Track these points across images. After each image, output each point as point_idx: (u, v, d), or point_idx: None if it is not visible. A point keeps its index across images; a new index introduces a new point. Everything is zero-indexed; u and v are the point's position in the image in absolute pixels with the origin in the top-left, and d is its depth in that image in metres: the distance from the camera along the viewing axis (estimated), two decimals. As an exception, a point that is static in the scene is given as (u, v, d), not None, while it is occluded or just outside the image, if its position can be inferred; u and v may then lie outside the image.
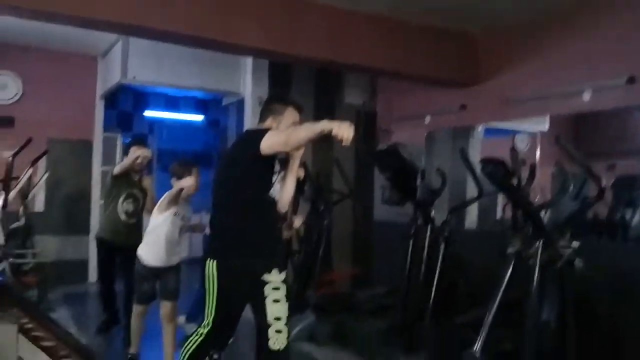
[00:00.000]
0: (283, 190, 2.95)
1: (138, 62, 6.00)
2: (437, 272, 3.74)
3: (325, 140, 6.54)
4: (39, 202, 6.59)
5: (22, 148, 4.94)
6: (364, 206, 6.58)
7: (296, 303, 4.92)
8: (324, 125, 2.69)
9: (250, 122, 6.37)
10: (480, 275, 4.07)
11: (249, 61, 6.44)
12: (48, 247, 6.34)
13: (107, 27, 4.54)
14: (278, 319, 2.77)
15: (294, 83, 6.67)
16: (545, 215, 3.29)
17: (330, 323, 4.82)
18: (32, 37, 6.08)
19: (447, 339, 3.67)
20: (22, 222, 5.68)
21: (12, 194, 4.93)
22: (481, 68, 5.45)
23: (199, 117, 8.80)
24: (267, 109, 3.04)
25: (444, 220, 3.85)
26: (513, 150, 3.79)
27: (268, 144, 2.70)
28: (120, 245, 4.51)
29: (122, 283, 4.63)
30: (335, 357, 4.33)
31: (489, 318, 2.98)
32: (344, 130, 2.62)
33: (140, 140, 4.84)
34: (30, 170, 5.40)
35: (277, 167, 2.89)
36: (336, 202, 5.38)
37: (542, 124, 5.56)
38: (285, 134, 2.78)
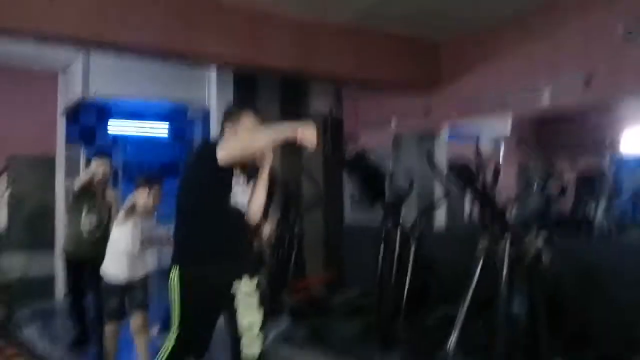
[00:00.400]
0: (253, 200, 2.88)
1: (99, 76, 5.92)
2: (409, 272, 3.79)
3: (292, 147, 6.69)
4: (1, 219, 6.41)
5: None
6: (334, 211, 6.62)
7: (271, 309, 4.94)
8: (287, 130, 2.66)
9: (216, 133, 6.33)
10: (451, 274, 4.15)
11: (213, 72, 6.42)
12: (13, 264, 6.18)
13: (68, 42, 4.48)
14: (250, 328, 2.79)
15: (259, 92, 6.68)
16: (511, 213, 3.38)
17: (306, 326, 4.83)
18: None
19: (421, 338, 3.73)
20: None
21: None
22: (444, 72, 5.59)
23: (164, 130, 8.70)
24: (224, 120, 2.98)
25: (413, 222, 3.92)
26: (477, 152, 3.87)
27: (226, 152, 2.65)
28: (86, 259, 4.42)
29: (90, 298, 4.55)
30: (313, 359, 4.33)
31: (461, 315, 3.05)
32: (308, 135, 2.60)
33: (102, 154, 4.75)
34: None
35: (238, 175, 2.82)
36: (306, 209, 5.40)
37: (504, 129, 5.70)
38: (242, 138, 2.76)
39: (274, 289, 5.01)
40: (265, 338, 2.88)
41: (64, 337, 4.90)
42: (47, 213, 6.60)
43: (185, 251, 2.86)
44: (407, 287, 3.77)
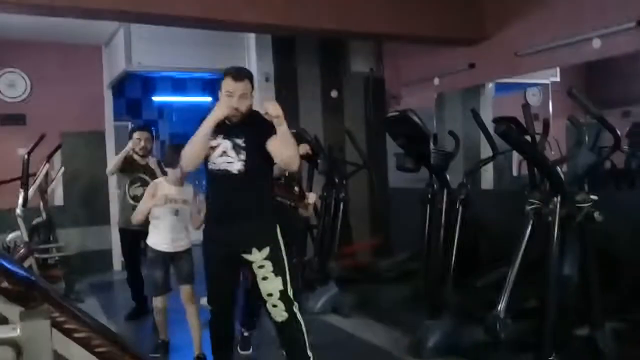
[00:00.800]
0: (281, 152, 2.85)
1: (141, 48, 5.96)
2: (456, 235, 3.73)
3: (334, 112, 6.63)
4: (57, 196, 6.68)
5: (36, 145, 5.00)
6: (379, 175, 6.57)
7: (319, 276, 4.99)
8: (212, 115, 2.79)
9: (257, 97, 6.34)
10: (500, 235, 4.07)
11: (252, 38, 6.39)
12: (71, 239, 6.44)
13: (108, 16, 4.53)
14: (270, 294, 2.89)
15: (298, 55, 6.62)
16: (561, 170, 3.26)
17: (353, 293, 4.88)
18: (36, 33, 6.07)
19: (471, 302, 3.69)
20: (43, 217, 5.76)
21: (31, 190, 4.99)
22: (488, 24, 5.36)
23: (207, 97, 8.80)
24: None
25: (460, 183, 3.83)
26: (525, 105, 3.72)
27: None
28: (137, 231, 4.55)
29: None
30: (361, 326, 4.38)
31: (511, 277, 2.99)
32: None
33: (141, 127, 4.87)
34: (47, 166, 5.45)
35: (215, 140, 2.87)
36: (351, 173, 5.37)
37: (554, 75, 5.47)
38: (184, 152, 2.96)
39: (321, 256, 5.05)
40: (290, 303, 2.94)
41: (122, 308, 5.11)
42: (100, 188, 6.82)
43: (204, 227, 3.13)
44: (455, 249, 3.70)
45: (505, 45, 5.09)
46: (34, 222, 5.79)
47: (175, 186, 3.73)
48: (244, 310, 4.00)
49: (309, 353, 2.99)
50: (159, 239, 3.76)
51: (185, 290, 3.78)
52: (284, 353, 3.12)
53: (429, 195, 4.24)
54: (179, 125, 9.08)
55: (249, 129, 2.87)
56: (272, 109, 2.71)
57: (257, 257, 2.87)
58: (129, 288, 4.99)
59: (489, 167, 5.14)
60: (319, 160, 4.97)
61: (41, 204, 5.76)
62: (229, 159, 2.87)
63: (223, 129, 2.88)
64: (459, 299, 3.60)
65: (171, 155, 3.73)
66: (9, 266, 2.24)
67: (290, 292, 2.94)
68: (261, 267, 2.88)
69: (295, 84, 6.59)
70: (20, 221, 4.75)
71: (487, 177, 5.36)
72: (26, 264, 4.00)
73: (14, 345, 1.56)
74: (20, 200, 4.77)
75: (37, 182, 5.26)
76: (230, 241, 2.90)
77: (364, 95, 6.93)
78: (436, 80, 6.06)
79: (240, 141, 2.87)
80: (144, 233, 4.31)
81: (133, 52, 5.94)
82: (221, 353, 3.16)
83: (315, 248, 5.25)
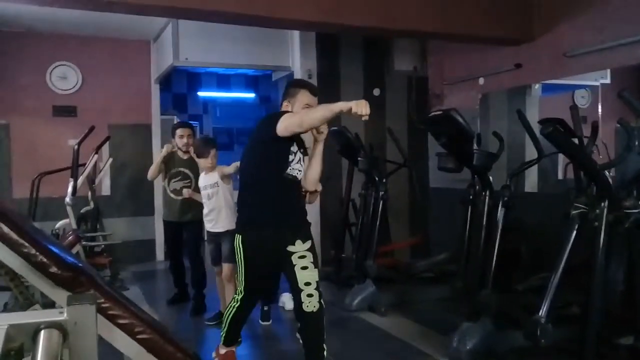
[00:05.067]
0: (309, 171, 3.14)
1: (189, 44, 6.09)
2: (498, 238, 3.66)
3: (375, 111, 6.60)
4: (105, 186, 6.88)
5: (86, 136, 5.16)
6: (419, 174, 6.52)
7: (356, 274, 5.00)
8: (341, 105, 2.74)
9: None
10: (544, 239, 3.99)
11: (296, 35, 6.43)
12: (116, 228, 6.65)
13: (155, 12, 4.63)
14: (308, 284, 3.02)
15: (342, 53, 6.64)
16: (609, 175, 3.17)
17: (390, 292, 4.86)
18: (88, 28, 6.29)
19: (511, 305, 3.63)
20: (91, 206, 5.95)
21: (80, 180, 5.16)
22: (536, 23, 5.24)
23: (251, 93, 8.90)
24: (285, 92, 3.23)
25: (503, 185, 3.76)
26: (573, 107, 3.63)
27: (284, 126, 2.86)
28: (179, 222, 4.72)
29: (188, 258, 4.86)
30: (397, 325, 4.36)
31: (554, 282, 2.92)
32: (361, 108, 2.67)
33: (182, 124, 5.05)
34: (96, 157, 5.63)
35: (294, 147, 3.04)
36: (391, 172, 5.35)
37: (603, 77, 5.30)
38: (299, 115, 2.93)
39: (359, 253, 5.05)
40: (321, 294, 3.07)
41: (163, 296, 5.26)
42: (145, 179, 6.94)
43: (245, 218, 3.17)
44: (495, 252, 3.64)
45: (554, 45, 4.96)
46: (82, 210, 6.00)
47: (207, 174, 4.17)
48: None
49: (324, 345, 3.14)
50: (207, 220, 4.26)
51: (226, 268, 4.16)
52: (301, 338, 3.20)
53: (471, 196, 4.19)
54: (223, 120, 9.23)
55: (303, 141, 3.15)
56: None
57: (301, 247, 3.04)
58: (170, 277, 5.16)
59: (534, 169, 5.02)
60: (359, 158, 4.96)
61: (89, 193, 5.97)
62: (300, 167, 3.11)
63: (297, 140, 3.08)
64: (498, 302, 3.54)
65: (201, 146, 4.19)
66: (58, 252, 2.33)
67: (319, 284, 3.10)
68: (302, 257, 3.04)
69: (338, 82, 6.61)
70: (69, 209, 4.93)
71: (531, 180, 5.23)
72: (74, 250, 4.13)
73: (61, 328, 1.61)
74: (70, 190, 4.94)
75: (86, 172, 5.44)
76: (277, 236, 3.07)
77: (406, 93, 6.89)
78: (481, 80, 5.96)
79: (303, 151, 3.15)
80: (186, 224, 4.56)
81: (180, 47, 6.07)
82: (237, 334, 3.46)
83: (353, 246, 5.25)
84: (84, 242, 4.84)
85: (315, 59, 6.43)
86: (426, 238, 6.14)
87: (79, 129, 5.66)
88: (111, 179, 6.92)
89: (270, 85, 7.88)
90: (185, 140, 4.75)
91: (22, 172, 6.24)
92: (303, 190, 3.88)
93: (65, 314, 1.63)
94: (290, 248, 3.04)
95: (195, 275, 4.82)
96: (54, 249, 2.30)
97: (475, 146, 3.72)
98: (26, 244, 2.13)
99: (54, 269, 2.17)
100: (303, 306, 3.04)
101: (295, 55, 6.48)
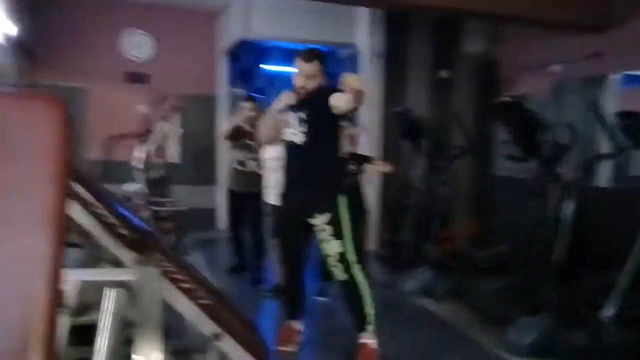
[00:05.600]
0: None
1: (258, 17, 6.14)
2: (566, 232, 3.53)
3: (441, 92, 6.45)
4: (175, 154, 7.07)
5: (159, 104, 5.31)
6: (485, 160, 6.35)
7: (414, 258, 4.96)
8: (275, 104, 3.17)
9: (367, 73, 6.34)
10: (614, 236, 3.82)
11: (364, 12, 6.34)
12: (182, 196, 6.84)
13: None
14: (329, 255, 3.13)
15: (410, 33, 6.49)
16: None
17: (448, 279, 4.78)
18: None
19: (575, 302, 3.50)
20: (161, 172, 6.14)
21: (152, 146, 5.32)
22: (617, 9, 4.95)
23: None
24: None
25: (573, 178, 3.61)
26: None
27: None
28: (243, 193, 4.82)
29: (249, 229, 4.97)
30: (452, 313, 4.31)
31: (623, 282, 2.79)
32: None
33: (246, 97, 5.12)
34: (165, 124, 5.78)
35: (292, 116, 3.15)
36: (454, 157, 5.22)
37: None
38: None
39: (419, 238, 5.00)
40: (349, 265, 3.13)
41: (223, 264, 5.39)
42: (210, 150, 7.14)
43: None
44: (562, 247, 3.51)
45: (635, 34, 4.68)
46: (152, 176, 6.20)
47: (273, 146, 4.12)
48: (322, 265, 4.18)
49: (368, 310, 3.20)
50: (267, 192, 4.33)
51: None
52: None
53: (538, 188, 4.03)
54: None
55: (312, 104, 3.09)
56: (354, 83, 2.70)
57: (319, 221, 3.11)
58: (230, 246, 5.26)
59: (607, 163, 4.79)
60: (421, 141, 4.88)
61: (159, 160, 6.14)
62: (293, 130, 3.14)
63: (297, 104, 3.15)
64: (562, 297, 3.42)
65: None
66: (127, 215, 2.41)
67: (349, 255, 3.13)
68: (322, 230, 3.12)
69: (405, 62, 6.48)
70: (139, 174, 5.09)
71: (604, 174, 4.98)
72: (142, 214, 4.30)
73: (128, 288, 1.69)
74: (142, 155, 5.10)
75: (156, 138, 5.59)
76: (295, 206, 3.20)
77: (475, 77, 6.69)
78: (555, 67, 5.70)
79: (303, 115, 3.11)
80: (249, 195, 4.63)
81: (250, 20, 6.12)
82: (292, 308, 3.53)
83: (412, 230, 5.19)
84: (152, 207, 5.00)
85: (383, 37, 6.33)
86: (489, 227, 5.99)
87: (149, 96, 5.80)
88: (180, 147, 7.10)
89: (337, 62, 7.83)
90: (247, 113, 4.80)
91: (96, 134, 6.47)
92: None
93: (133, 275, 1.71)
94: (311, 221, 3.14)
95: (255, 246, 4.92)
96: (124, 212, 2.40)
97: (545, 136, 3.55)
98: (99, 205, 2.22)
99: (123, 231, 2.26)
100: (334, 274, 3.17)
101: (363, 33, 6.41)
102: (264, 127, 3.41)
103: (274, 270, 4.48)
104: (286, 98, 3.14)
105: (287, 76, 9.32)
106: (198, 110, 7.16)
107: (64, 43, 6.46)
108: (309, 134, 3.11)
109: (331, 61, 8.44)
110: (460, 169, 6.22)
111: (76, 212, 2.22)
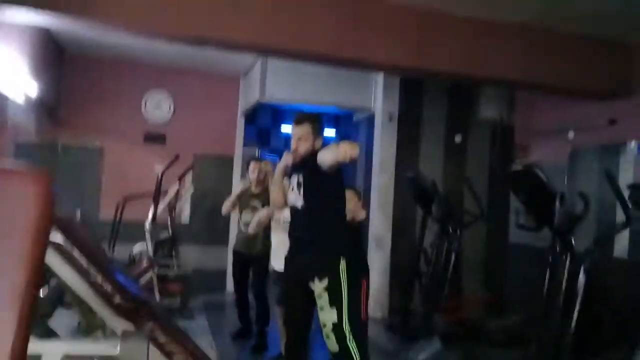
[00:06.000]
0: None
1: (275, 81, 6.28)
2: (577, 307, 3.41)
3: (455, 158, 6.45)
4: (185, 214, 7.11)
5: (170, 164, 5.37)
6: (498, 227, 6.26)
7: (423, 328, 4.81)
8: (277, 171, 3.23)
9: (379, 137, 6.39)
10: (630, 309, 3.67)
11: (380, 77, 6.45)
12: (191, 256, 6.83)
13: (247, 49, 4.83)
14: (324, 325, 3.00)
15: (425, 97, 6.58)
16: None
17: (458, 352, 4.62)
18: (183, 59, 6.62)
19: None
20: (169, 233, 6.15)
21: (161, 206, 5.35)
22: (636, 75, 4.96)
23: (331, 132, 8.98)
24: None
25: (586, 250, 3.51)
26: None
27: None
28: (247, 256, 4.77)
29: (253, 293, 4.88)
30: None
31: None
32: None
33: (255, 158, 5.18)
34: (177, 185, 5.83)
35: (292, 180, 3.19)
36: (467, 224, 5.15)
37: None
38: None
39: (428, 306, 4.87)
40: (343, 336, 2.96)
41: (230, 327, 5.28)
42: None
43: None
44: (574, 322, 3.38)
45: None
46: (161, 237, 6.21)
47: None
48: None
49: None
50: (272, 256, 4.18)
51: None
52: None
53: (550, 259, 3.93)
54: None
55: (305, 167, 3.10)
56: (350, 151, 2.68)
57: (318, 286, 3.02)
58: (236, 310, 5.16)
59: (625, 233, 4.67)
60: (432, 206, 4.83)
61: (169, 220, 6.16)
62: (294, 195, 3.16)
63: (294, 168, 3.20)
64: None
65: None
66: (123, 282, 2.38)
67: (345, 326, 2.97)
68: (319, 297, 3.02)
69: (419, 126, 6.53)
70: (147, 235, 5.09)
71: (622, 244, 4.86)
72: (147, 276, 4.27)
73: (113, 361, 1.64)
74: (150, 216, 5.13)
75: (167, 199, 5.63)
76: (298, 270, 3.15)
77: (489, 142, 6.69)
78: (570, 134, 5.68)
79: (300, 178, 3.13)
80: (253, 258, 4.61)
81: (267, 84, 6.26)
82: None
83: (421, 298, 5.07)
84: (157, 269, 4.97)
85: (397, 101, 6.41)
86: (500, 296, 5.83)
87: (166, 156, 5.88)
88: (191, 207, 7.14)
89: (351, 125, 7.92)
90: (256, 174, 4.82)
91: (110, 194, 6.54)
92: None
93: (118, 349, 1.66)
94: (311, 286, 3.06)
95: (259, 312, 4.82)
96: (120, 278, 2.37)
97: (557, 205, 3.48)
98: (94, 272, 2.20)
99: (117, 300, 2.23)
100: (327, 346, 3.05)
101: (378, 97, 6.50)
102: (272, 191, 3.42)
103: (279, 337, 4.37)
104: (286, 159, 3.17)
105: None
106: (214, 170, 7.24)
107: (85, 102, 6.67)
108: (305, 197, 3.09)
109: (346, 124, 8.61)
110: (473, 236, 6.13)
111: (70, 278, 2.20)
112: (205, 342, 4.79)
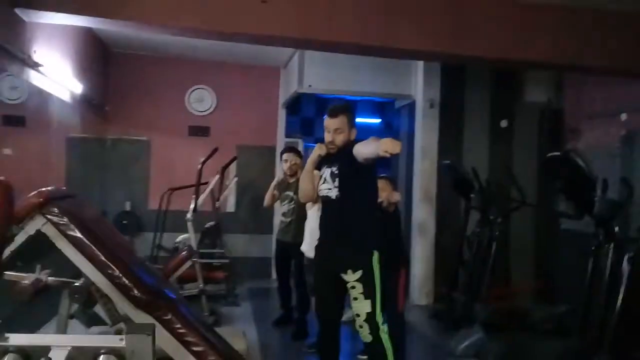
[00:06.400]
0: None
1: (313, 71, 6.25)
2: (620, 296, 3.25)
3: (502, 143, 6.25)
4: (230, 203, 7.24)
5: (209, 156, 5.48)
6: (549, 214, 6.02)
7: (465, 316, 4.72)
8: (310, 159, 3.18)
9: (421, 123, 6.27)
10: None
11: (420, 64, 6.32)
12: (237, 244, 6.97)
13: (280, 42, 4.82)
14: (358, 315, 3.03)
15: (467, 82, 6.40)
16: None
17: (502, 340, 4.50)
18: (223, 54, 6.70)
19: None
20: (213, 222, 6.28)
21: (202, 198, 5.46)
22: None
23: (376, 120, 8.89)
24: None
25: (630, 238, 3.34)
26: None
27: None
28: (287, 243, 4.85)
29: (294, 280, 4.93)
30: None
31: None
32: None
33: (288, 148, 5.18)
34: (218, 176, 5.93)
35: (322, 170, 3.19)
36: (509, 210, 4.99)
37: None
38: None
39: (469, 296, 4.76)
40: (376, 327, 3.01)
41: (271, 315, 5.34)
42: (266, 200, 7.22)
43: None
44: (616, 312, 3.23)
45: None
46: (206, 225, 6.36)
47: None
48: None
49: None
50: (307, 245, 4.18)
51: None
52: None
53: (593, 248, 3.75)
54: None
55: (342, 158, 3.08)
56: (391, 148, 2.60)
57: (351, 278, 3.04)
58: (278, 297, 5.24)
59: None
60: (471, 195, 4.71)
61: (213, 209, 6.29)
62: (328, 185, 3.14)
63: (326, 159, 3.18)
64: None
65: None
66: (141, 275, 2.45)
67: (378, 317, 3.04)
68: (353, 287, 3.05)
69: (462, 112, 6.37)
70: (189, 225, 5.22)
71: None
72: (185, 265, 4.38)
73: (119, 355, 1.69)
74: (192, 206, 5.25)
75: (208, 190, 5.73)
76: (330, 261, 3.15)
77: (537, 127, 6.45)
78: (623, 116, 5.39)
79: (335, 169, 3.11)
80: (293, 246, 4.65)
81: (305, 75, 6.25)
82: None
83: (463, 286, 4.96)
84: (198, 259, 5.08)
85: (439, 87, 6.26)
86: (550, 284, 5.63)
87: (210, 148, 6.00)
88: (236, 197, 7.26)
89: (393, 112, 7.82)
90: (289, 164, 4.87)
91: (158, 185, 6.74)
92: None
93: (124, 342, 1.71)
94: (344, 277, 3.07)
95: (299, 299, 4.86)
96: (138, 271, 2.44)
97: (598, 192, 3.32)
98: (112, 265, 2.28)
99: (135, 292, 2.30)
100: (360, 336, 3.07)
101: (419, 84, 6.38)
102: (302, 181, 3.40)
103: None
104: (319, 149, 3.16)
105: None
106: (257, 161, 7.32)
107: (131, 98, 6.89)
108: (341, 188, 3.09)
109: (391, 111, 8.49)
110: (523, 223, 5.95)
111: (91, 272, 2.28)
112: (248, 328, 4.91)
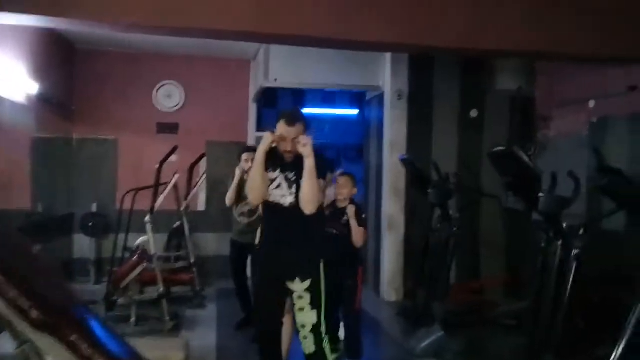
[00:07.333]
0: (302, 191, 2.99)
1: (278, 65, 6.13)
2: (567, 294, 3.17)
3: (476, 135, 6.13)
4: (200, 201, 7.14)
5: (168, 156, 5.38)
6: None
7: (425, 315, 4.65)
8: (261, 146, 3.03)
9: (389, 115, 6.16)
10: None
11: (388, 54, 6.20)
12: (208, 243, 6.88)
13: (235, 37, 4.70)
14: (303, 326, 3.01)
15: (436, 72, 6.27)
16: None
17: (462, 338, 4.43)
18: (193, 48, 6.58)
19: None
20: (177, 222, 6.19)
21: (160, 199, 5.37)
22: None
23: (354, 112, 8.78)
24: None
25: (575, 235, 3.25)
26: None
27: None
28: (243, 245, 4.78)
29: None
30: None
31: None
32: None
33: (247, 148, 5.07)
34: (177, 175, 5.83)
35: (273, 174, 3.08)
36: (466, 206, 4.90)
37: None
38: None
39: (429, 293, 4.68)
40: (320, 339, 3.00)
41: (236, 318, 5.24)
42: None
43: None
44: (562, 310, 3.15)
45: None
46: (174, 226, 6.28)
47: None
48: (348, 338, 4.12)
49: None
50: None
51: None
52: None
53: (542, 244, 3.67)
54: (327, 136, 9.17)
55: (299, 166, 3.00)
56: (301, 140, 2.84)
57: (299, 287, 3.01)
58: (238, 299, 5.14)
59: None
60: (429, 191, 4.61)
61: (180, 209, 6.20)
62: (282, 192, 3.07)
63: (280, 165, 3.08)
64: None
65: None
66: (48, 295, 2.36)
67: (322, 327, 3.03)
68: (300, 297, 3.01)
69: (432, 102, 6.25)
70: (147, 227, 5.12)
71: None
72: (136, 271, 4.30)
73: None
74: (149, 208, 5.16)
75: (167, 190, 5.64)
76: (277, 267, 3.09)
77: (509, 115, 6.33)
78: (591, 103, 5.28)
79: (292, 176, 3.06)
80: (249, 246, 4.53)
81: (271, 68, 6.13)
82: None
83: (423, 285, 4.89)
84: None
85: (407, 78, 6.14)
86: (517, 278, 5.54)
87: (180, 145, 5.89)
88: (207, 195, 7.16)
89: (364, 104, 7.72)
90: (250, 164, 4.75)
91: (126, 186, 6.58)
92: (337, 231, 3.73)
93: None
94: (290, 285, 3.02)
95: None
96: (44, 291, 2.34)
97: (544, 188, 3.23)
98: (6, 287, 2.18)
99: (33, 314, 2.21)
100: (302, 347, 3.04)
101: (387, 75, 6.26)
102: (253, 175, 3.16)
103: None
104: (270, 137, 3.06)
105: (324, 118, 9.27)
106: (228, 157, 7.16)
107: (98, 96, 6.77)
108: (298, 195, 3.04)
109: (358, 103, 8.37)
110: (492, 216, 5.86)
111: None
112: (208, 332, 4.85)
